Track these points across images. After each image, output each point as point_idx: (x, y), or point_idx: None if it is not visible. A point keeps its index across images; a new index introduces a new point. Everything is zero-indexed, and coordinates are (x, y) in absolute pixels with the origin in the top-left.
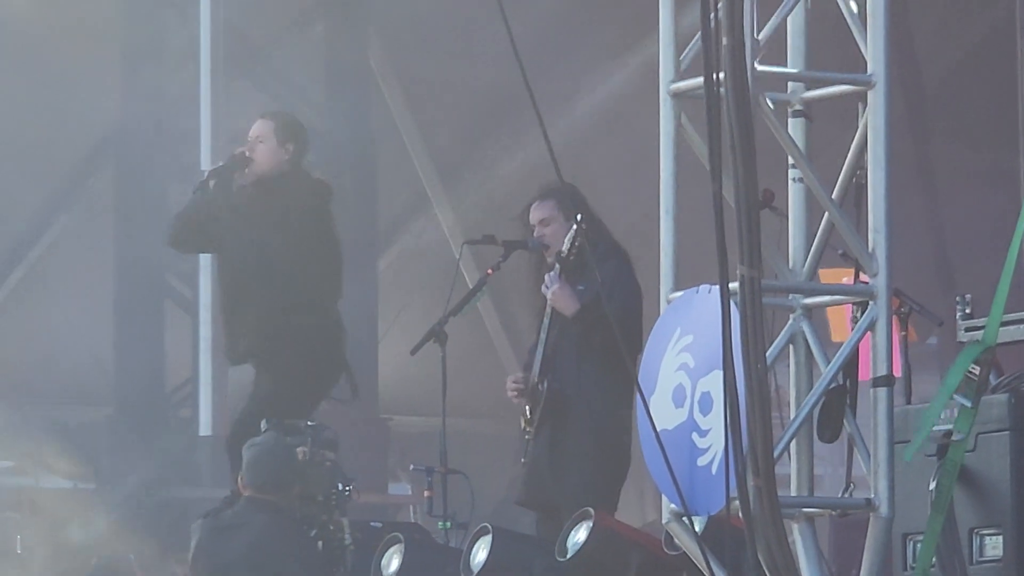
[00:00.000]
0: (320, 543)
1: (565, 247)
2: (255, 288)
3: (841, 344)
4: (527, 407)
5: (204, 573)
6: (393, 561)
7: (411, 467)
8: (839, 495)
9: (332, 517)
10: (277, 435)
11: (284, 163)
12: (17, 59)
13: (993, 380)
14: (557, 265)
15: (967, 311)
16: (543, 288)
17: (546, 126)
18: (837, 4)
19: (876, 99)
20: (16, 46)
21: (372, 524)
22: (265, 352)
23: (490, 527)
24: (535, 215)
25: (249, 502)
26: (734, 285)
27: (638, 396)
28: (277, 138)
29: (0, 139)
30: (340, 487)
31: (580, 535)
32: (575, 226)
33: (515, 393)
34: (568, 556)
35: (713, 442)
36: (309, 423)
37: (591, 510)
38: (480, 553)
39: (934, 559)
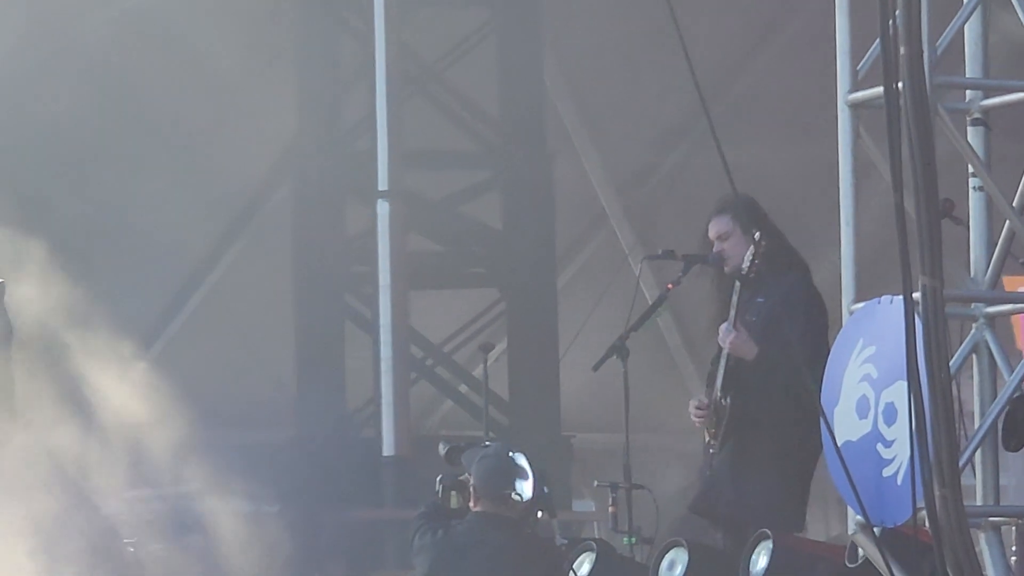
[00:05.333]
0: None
1: (744, 265)
2: None
3: None
4: (712, 420)
5: None
6: (584, 566)
7: (595, 483)
8: None
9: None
10: (503, 445)
11: None
12: (194, 82)
13: None
14: (732, 313)
15: None
16: (719, 339)
17: (722, 138)
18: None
19: None
20: (193, 69)
21: (558, 541)
22: None
23: (684, 542)
24: (712, 230)
25: (482, 517)
26: (916, 295)
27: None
28: None
29: (179, 163)
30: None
31: (762, 561)
32: (753, 244)
33: (699, 418)
34: None
35: (898, 453)
36: (486, 443)
37: (767, 531)
38: (676, 568)
39: None
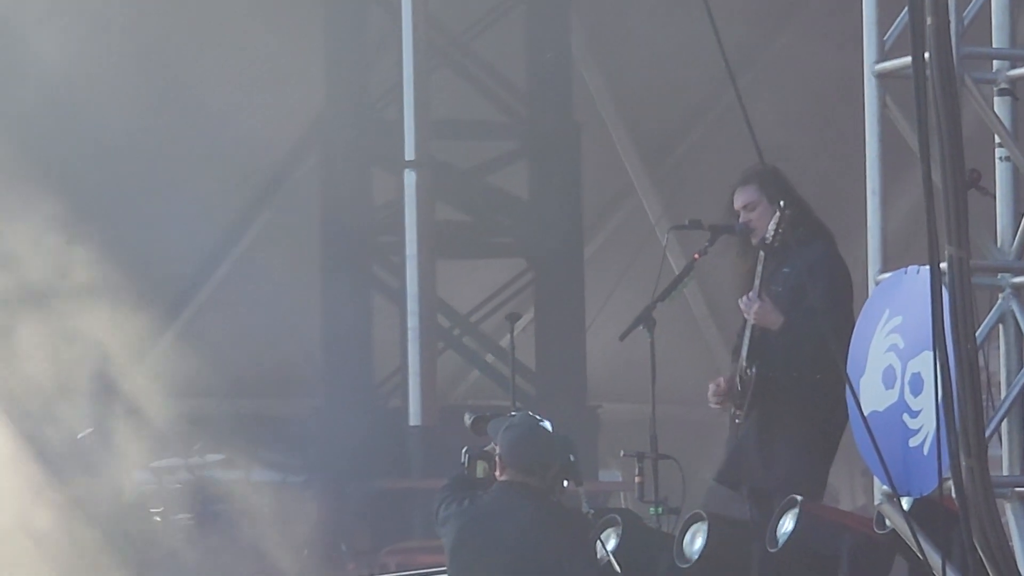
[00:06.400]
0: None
1: (769, 234)
2: None
3: None
4: (737, 391)
5: (468, 562)
6: (611, 540)
7: (621, 453)
8: None
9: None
10: (529, 415)
11: None
12: (223, 52)
13: None
14: (756, 282)
15: None
16: (743, 309)
17: (750, 108)
18: None
19: None
20: (222, 40)
21: (584, 509)
22: None
23: (704, 515)
24: (738, 200)
25: (508, 487)
26: (943, 265)
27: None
28: None
29: (207, 134)
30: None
31: (788, 524)
32: (777, 212)
33: (717, 403)
34: (779, 546)
35: (924, 423)
36: (512, 413)
37: (796, 498)
38: (697, 541)
39: None
